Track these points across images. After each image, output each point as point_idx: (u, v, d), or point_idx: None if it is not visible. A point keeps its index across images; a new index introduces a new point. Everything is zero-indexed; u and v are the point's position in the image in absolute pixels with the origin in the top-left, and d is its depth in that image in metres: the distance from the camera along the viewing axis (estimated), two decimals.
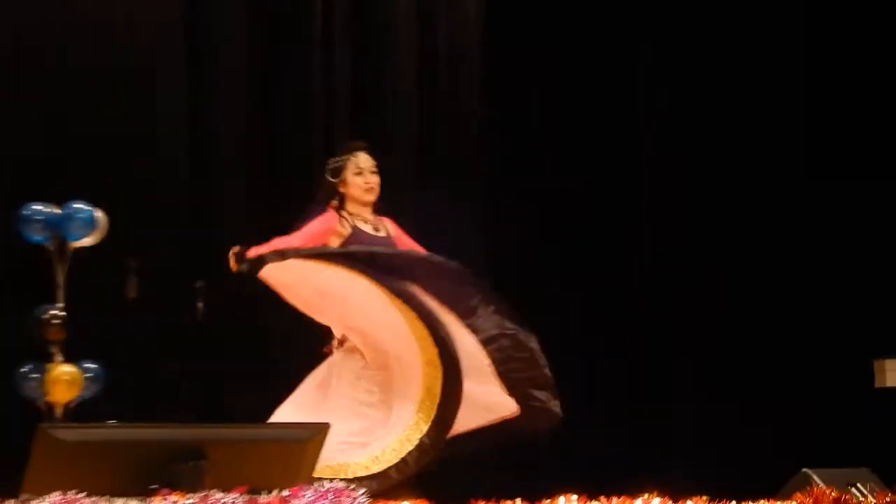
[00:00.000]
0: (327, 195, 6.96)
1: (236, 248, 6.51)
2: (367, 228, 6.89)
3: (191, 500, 4.62)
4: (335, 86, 9.41)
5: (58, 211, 7.99)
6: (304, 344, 7.38)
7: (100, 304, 8.37)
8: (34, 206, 7.99)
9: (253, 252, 6.49)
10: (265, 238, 6.85)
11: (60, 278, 8.03)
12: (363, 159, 6.94)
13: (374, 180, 6.91)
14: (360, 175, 6.89)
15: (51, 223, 7.98)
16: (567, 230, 9.84)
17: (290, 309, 6.95)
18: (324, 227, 6.86)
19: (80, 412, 7.98)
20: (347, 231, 6.86)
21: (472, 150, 9.73)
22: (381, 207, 7.03)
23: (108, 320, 8.37)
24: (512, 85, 9.88)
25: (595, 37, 10.12)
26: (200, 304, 7.67)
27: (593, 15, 10.13)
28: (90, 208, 8.02)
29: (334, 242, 6.83)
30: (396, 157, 8.97)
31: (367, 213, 6.92)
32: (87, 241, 8.05)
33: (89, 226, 8.01)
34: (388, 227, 6.98)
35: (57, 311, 7.97)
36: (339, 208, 6.95)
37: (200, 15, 9.11)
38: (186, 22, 9.03)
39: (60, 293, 8.02)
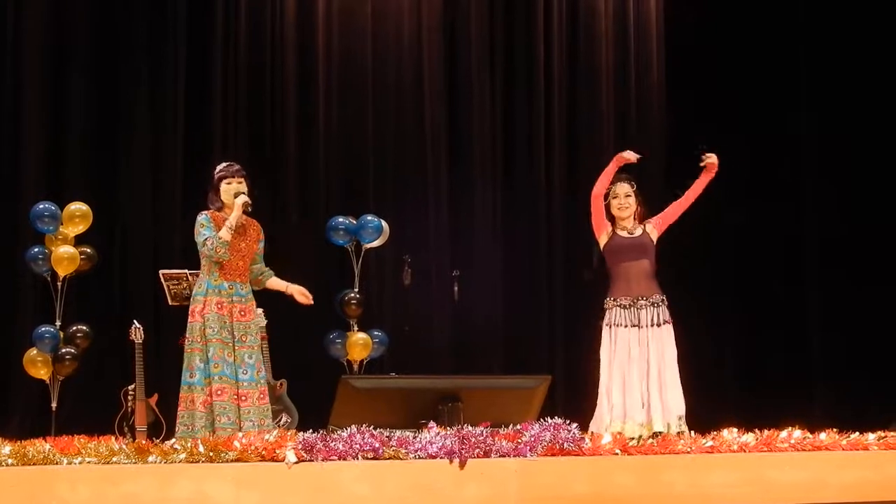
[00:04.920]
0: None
1: None
2: (623, 234, 6.50)
3: (450, 432, 4.62)
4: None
5: (354, 221, 8.12)
6: None
7: (385, 289, 8.52)
8: (338, 218, 8.12)
9: None
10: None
11: (357, 270, 8.12)
12: (619, 188, 6.52)
13: (625, 203, 6.47)
14: (617, 199, 6.50)
15: (349, 230, 8.11)
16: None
17: None
18: (600, 222, 6.48)
19: (370, 367, 8.12)
20: (610, 235, 6.50)
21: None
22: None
23: (391, 300, 8.49)
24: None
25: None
26: (457, 288, 7.67)
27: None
28: (378, 219, 8.12)
29: (603, 239, 6.49)
30: None
31: (626, 223, 6.49)
32: (375, 244, 8.15)
33: (377, 232, 8.10)
34: (646, 227, 6.52)
35: (354, 294, 8.11)
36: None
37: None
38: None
39: (356, 281, 8.14)
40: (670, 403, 6.22)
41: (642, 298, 6.34)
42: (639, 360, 6.26)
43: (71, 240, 7.58)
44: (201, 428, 5.72)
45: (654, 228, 6.54)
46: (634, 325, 6.31)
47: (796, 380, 9.08)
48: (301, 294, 6.09)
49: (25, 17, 8.12)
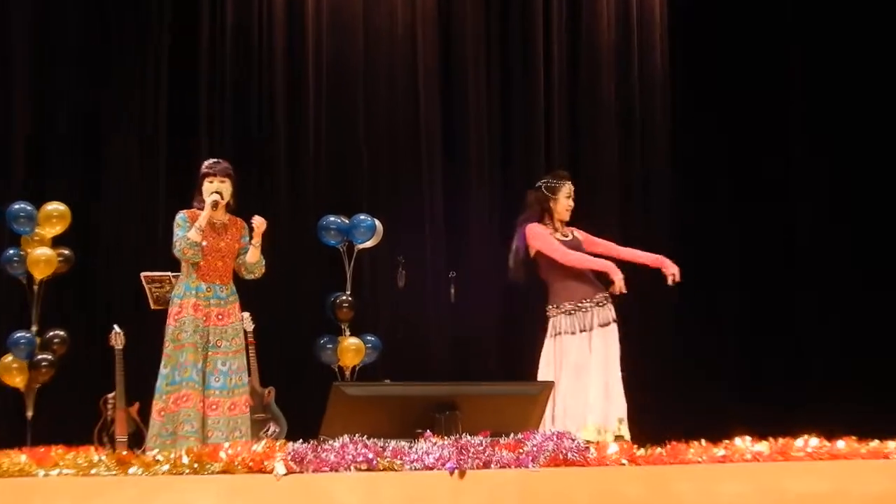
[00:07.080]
0: (541, 206, 6.55)
1: None
2: (559, 236, 6.49)
3: (446, 442, 4.57)
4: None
5: (346, 221, 8.04)
6: None
7: (378, 291, 8.48)
8: (329, 217, 8.05)
9: None
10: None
11: (349, 272, 8.06)
12: (568, 187, 6.52)
13: (572, 205, 6.55)
14: (569, 199, 6.53)
15: (341, 230, 8.04)
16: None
17: None
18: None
19: (363, 373, 8.05)
20: None
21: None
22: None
23: (384, 303, 8.45)
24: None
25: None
26: (453, 290, 7.62)
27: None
28: (371, 218, 8.06)
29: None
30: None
31: (560, 225, 6.52)
32: (369, 244, 8.09)
33: (370, 232, 8.04)
34: (575, 234, 6.56)
35: (346, 297, 8.04)
36: (541, 220, 6.56)
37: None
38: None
39: (348, 283, 8.08)
40: (613, 406, 6.17)
41: (587, 300, 6.30)
42: (585, 367, 6.21)
43: (48, 241, 7.46)
44: (153, 436, 5.69)
45: (580, 237, 6.52)
46: (583, 331, 6.27)
47: (796, 381, 9.01)
48: (257, 223, 5.95)
49: (10, 16, 8.03)
